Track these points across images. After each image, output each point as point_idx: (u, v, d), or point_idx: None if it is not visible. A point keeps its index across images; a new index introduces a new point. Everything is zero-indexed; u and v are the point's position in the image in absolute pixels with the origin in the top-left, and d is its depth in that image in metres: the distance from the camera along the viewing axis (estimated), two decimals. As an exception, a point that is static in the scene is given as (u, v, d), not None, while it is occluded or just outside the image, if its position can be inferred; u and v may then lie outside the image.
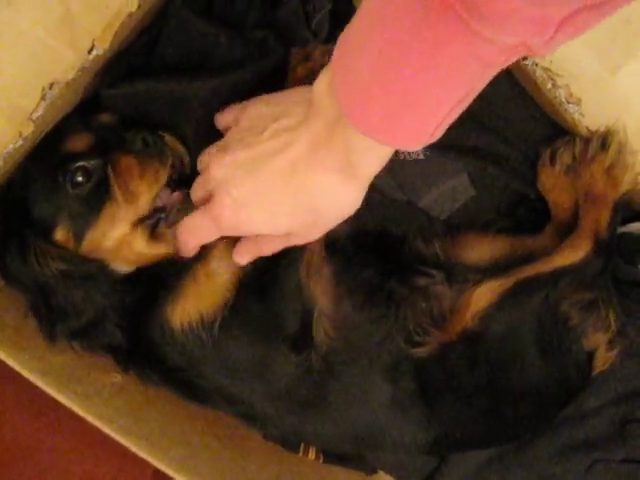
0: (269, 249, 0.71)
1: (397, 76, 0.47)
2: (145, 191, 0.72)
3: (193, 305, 0.73)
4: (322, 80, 0.56)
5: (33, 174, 0.73)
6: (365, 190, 0.63)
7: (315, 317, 0.74)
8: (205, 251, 0.74)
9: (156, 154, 0.73)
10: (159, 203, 0.75)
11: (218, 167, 0.66)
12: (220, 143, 0.70)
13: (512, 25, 0.40)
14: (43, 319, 0.74)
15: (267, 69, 0.74)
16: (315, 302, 0.75)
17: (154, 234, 0.74)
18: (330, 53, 0.54)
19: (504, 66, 0.47)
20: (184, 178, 0.76)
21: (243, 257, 0.72)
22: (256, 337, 0.74)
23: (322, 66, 0.61)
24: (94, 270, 0.73)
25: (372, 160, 0.59)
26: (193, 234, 0.71)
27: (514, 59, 0.45)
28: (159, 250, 0.74)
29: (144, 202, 0.73)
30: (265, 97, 0.70)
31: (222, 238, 0.71)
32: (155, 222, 0.74)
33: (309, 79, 0.71)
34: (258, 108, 0.69)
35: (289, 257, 0.73)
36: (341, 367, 0.75)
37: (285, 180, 0.62)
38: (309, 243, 0.69)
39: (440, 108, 0.49)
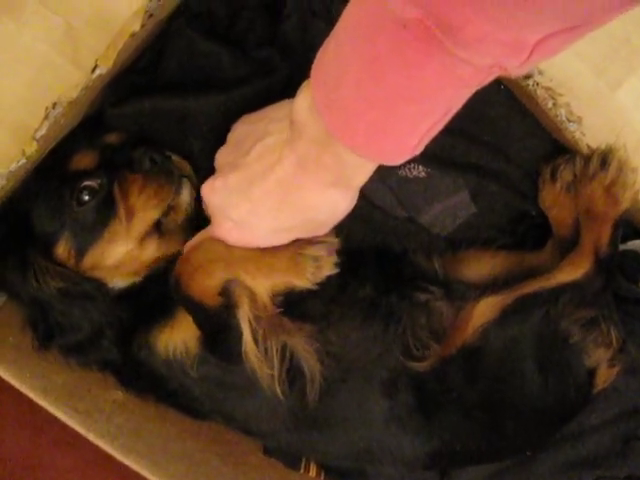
0: None
1: (376, 96, 0.48)
2: (150, 210, 0.73)
3: (178, 334, 0.73)
4: (302, 98, 0.56)
5: (38, 190, 0.73)
6: (357, 194, 0.64)
7: (300, 351, 0.72)
8: None
9: (163, 174, 0.73)
10: None
11: (211, 193, 0.67)
12: (217, 162, 0.70)
13: (487, 48, 0.40)
14: (40, 333, 0.74)
15: (272, 86, 0.75)
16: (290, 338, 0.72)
17: (161, 234, 0.75)
18: None
19: (481, 86, 0.47)
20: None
21: None
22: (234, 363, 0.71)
23: None
24: (92, 289, 0.73)
25: (363, 171, 0.60)
26: None
27: (490, 79, 0.46)
28: (171, 245, 0.75)
29: (149, 220, 0.73)
30: (248, 116, 0.71)
31: None
32: (158, 226, 0.74)
33: None
34: (241, 127, 0.70)
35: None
36: (337, 384, 0.75)
37: (279, 199, 0.62)
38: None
39: (420, 126, 0.50)
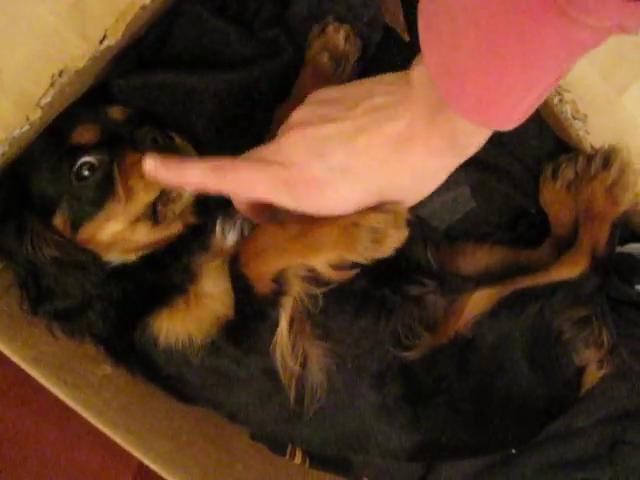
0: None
1: (494, 62, 0.48)
2: (149, 191, 0.72)
3: (181, 325, 0.72)
4: (419, 64, 0.55)
5: (39, 157, 0.73)
6: (449, 173, 0.61)
7: (313, 362, 0.73)
8: (198, 271, 0.73)
9: None
10: None
11: (299, 138, 0.60)
12: (293, 120, 0.63)
13: (610, 10, 0.41)
14: (31, 296, 0.74)
15: (277, 67, 0.75)
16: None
17: (156, 221, 0.74)
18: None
19: (596, 47, 0.46)
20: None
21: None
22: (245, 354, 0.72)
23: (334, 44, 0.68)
24: (86, 261, 0.73)
25: (477, 140, 0.57)
26: (246, 189, 0.62)
27: (606, 39, 0.45)
28: (165, 232, 0.74)
29: (146, 201, 0.72)
30: (331, 87, 0.65)
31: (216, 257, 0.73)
32: (153, 210, 0.73)
33: (322, 54, 0.75)
34: (329, 91, 0.64)
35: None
36: (327, 374, 0.74)
37: (385, 155, 0.58)
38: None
39: (532, 91, 0.50)
